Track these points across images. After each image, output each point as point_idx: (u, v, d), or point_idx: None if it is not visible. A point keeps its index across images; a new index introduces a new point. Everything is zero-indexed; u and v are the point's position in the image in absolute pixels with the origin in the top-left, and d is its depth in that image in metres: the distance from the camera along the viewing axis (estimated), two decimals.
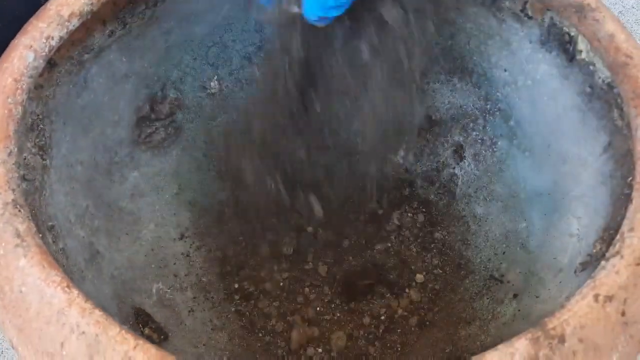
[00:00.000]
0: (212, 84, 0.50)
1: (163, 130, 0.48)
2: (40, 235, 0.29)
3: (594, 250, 0.34)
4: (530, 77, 0.42)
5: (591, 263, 0.35)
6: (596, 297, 0.26)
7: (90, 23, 0.38)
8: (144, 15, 0.41)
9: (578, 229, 0.38)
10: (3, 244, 0.28)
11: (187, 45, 0.47)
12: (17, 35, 0.34)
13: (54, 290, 0.27)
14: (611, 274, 0.27)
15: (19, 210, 0.29)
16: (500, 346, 0.26)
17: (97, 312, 0.27)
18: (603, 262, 0.28)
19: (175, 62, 0.47)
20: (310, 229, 0.52)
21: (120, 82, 0.43)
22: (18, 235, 0.28)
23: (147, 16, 0.42)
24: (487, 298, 0.45)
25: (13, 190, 0.29)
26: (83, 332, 0.26)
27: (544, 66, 0.40)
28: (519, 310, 0.41)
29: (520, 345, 0.25)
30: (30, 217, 0.29)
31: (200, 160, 0.51)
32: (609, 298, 0.26)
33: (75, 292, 0.27)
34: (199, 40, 0.47)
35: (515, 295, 0.42)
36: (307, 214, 0.49)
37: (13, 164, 0.30)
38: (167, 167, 0.49)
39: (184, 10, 0.44)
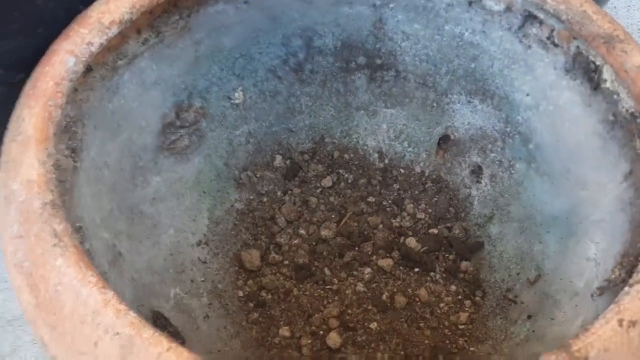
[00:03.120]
0: (236, 94, 0.51)
1: (187, 138, 0.49)
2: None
3: (613, 276, 0.35)
4: (552, 103, 0.43)
5: (609, 288, 0.35)
6: (620, 321, 0.27)
7: (126, 31, 0.38)
8: (177, 25, 0.42)
9: (595, 254, 0.39)
10: (41, 243, 0.29)
11: (215, 56, 0.47)
12: (58, 40, 0.35)
13: (90, 290, 0.28)
14: (635, 300, 0.28)
15: (57, 211, 0.30)
16: None
17: (132, 314, 0.27)
18: (627, 288, 0.28)
19: (203, 72, 0.48)
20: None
21: (150, 89, 0.44)
22: (56, 235, 0.29)
23: (180, 26, 0.42)
24: (501, 318, 0.45)
25: (51, 190, 0.30)
26: (117, 333, 0.27)
27: (567, 93, 0.41)
28: (533, 331, 0.41)
29: None
30: (66, 218, 0.30)
31: (221, 169, 0.52)
32: (633, 323, 0.27)
33: (110, 293, 0.28)
34: (227, 51, 0.48)
35: (529, 317, 0.43)
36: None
37: (51, 165, 0.31)
38: (188, 174, 0.50)
39: (215, 22, 0.45)
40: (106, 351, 0.27)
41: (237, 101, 0.51)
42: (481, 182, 0.51)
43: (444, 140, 0.52)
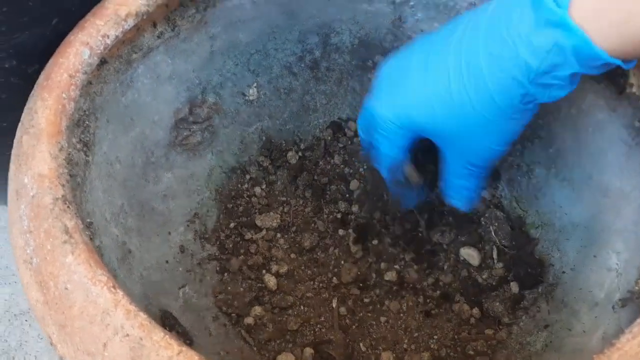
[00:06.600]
0: (250, 90, 0.50)
1: (200, 134, 0.48)
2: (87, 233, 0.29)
3: (636, 288, 0.34)
4: (575, 106, 0.41)
5: (632, 300, 0.34)
6: None
7: (142, 23, 0.38)
8: (194, 19, 0.41)
9: (617, 264, 0.38)
10: (51, 240, 0.28)
11: (230, 51, 0.47)
12: (73, 31, 0.34)
13: (100, 289, 0.27)
14: None
15: (68, 207, 0.29)
16: None
17: (142, 315, 0.26)
18: None
19: (217, 67, 0.47)
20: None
21: (164, 84, 0.43)
22: (66, 231, 0.28)
23: (197, 20, 0.42)
24: (516, 327, 0.44)
25: (63, 185, 0.29)
26: (127, 335, 0.26)
27: (590, 96, 0.40)
28: (550, 341, 0.40)
29: None
30: (77, 214, 0.29)
31: (233, 167, 0.51)
32: None
33: (120, 293, 0.27)
34: (243, 47, 0.47)
35: (546, 326, 0.42)
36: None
37: (63, 159, 0.30)
38: (200, 171, 0.49)
39: (231, 17, 0.44)
40: (115, 352, 0.26)
41: (251, 97, 0.50)
42: (498, 186, 0.50)
43: None
